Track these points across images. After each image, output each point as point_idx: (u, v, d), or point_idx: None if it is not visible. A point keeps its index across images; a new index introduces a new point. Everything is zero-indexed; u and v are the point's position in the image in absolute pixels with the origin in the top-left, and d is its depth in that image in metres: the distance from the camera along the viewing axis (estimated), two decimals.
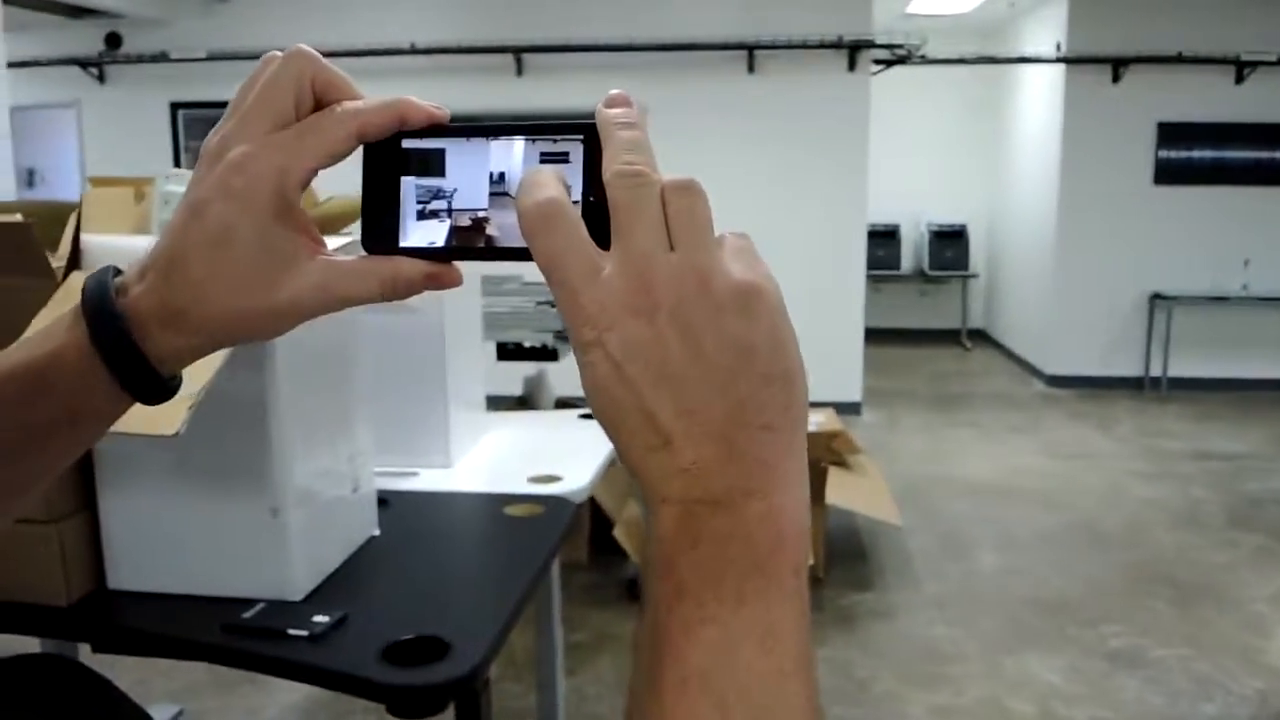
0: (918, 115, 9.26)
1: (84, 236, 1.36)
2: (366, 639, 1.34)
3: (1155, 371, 7.56)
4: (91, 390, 0.51)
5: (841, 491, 3.87)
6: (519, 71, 6.65)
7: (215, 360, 1.22)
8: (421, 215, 0.49)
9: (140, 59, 7.02)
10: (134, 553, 1.47)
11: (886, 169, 8.11)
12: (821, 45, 6.41)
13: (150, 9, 6.73)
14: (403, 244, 0.49)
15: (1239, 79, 7.19)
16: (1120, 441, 6.28)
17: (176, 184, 1.56)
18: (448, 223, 0.48)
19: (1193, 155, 7.38)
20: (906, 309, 9.67)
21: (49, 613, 1.44)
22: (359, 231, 0.50)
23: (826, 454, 4.01)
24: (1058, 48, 7.38)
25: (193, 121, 7.19)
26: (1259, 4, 7.05)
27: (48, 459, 0.56)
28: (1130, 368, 7.65)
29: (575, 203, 0.45)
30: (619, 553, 3.71)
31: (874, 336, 7.31)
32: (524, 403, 4.26)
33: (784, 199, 6.61)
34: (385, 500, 1.83)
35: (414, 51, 6.51)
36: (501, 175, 0.47)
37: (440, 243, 0.49)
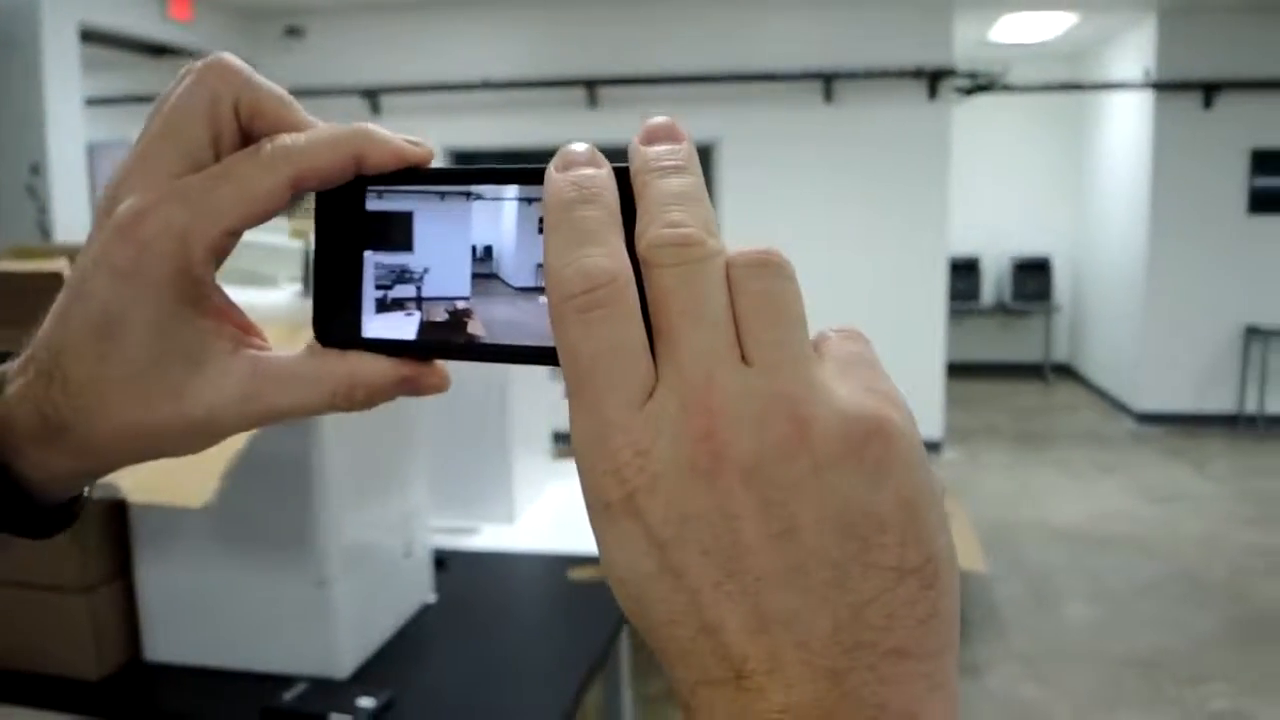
0: (1000, 144, 9.04)
1: None
2: None
3: (1251, 408, 7.27)
4: None
5: None
6: (592, 103, 6.58)
7: None
8: (382, 305, 0.36)
9: None
10: (171, 624, 1.38)
11: (967, 199, 7.90)
12: (901, 74, 6.26)
13: (229, 46, 6.77)
14: (366, 335, 0.36)
15: None
16: (1218, 482, 5.98)
17: None
18: (416, 316, 0.35)
19: None
20: (987, 342, 9.41)
21: (75, 686, 1.35)
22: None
23: None
24: (1146, 74, 7.16)
25: None
26: None
27: None
28: (1225, 404, 7.37)
29: None
30: None
31: (953, 371, 7.08)
32: None
33: (862, 230, 6.45)
34: (443, 561, 1.73)
35: (486, 86, 6.49)
36: (488, 250, 0.34)
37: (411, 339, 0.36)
